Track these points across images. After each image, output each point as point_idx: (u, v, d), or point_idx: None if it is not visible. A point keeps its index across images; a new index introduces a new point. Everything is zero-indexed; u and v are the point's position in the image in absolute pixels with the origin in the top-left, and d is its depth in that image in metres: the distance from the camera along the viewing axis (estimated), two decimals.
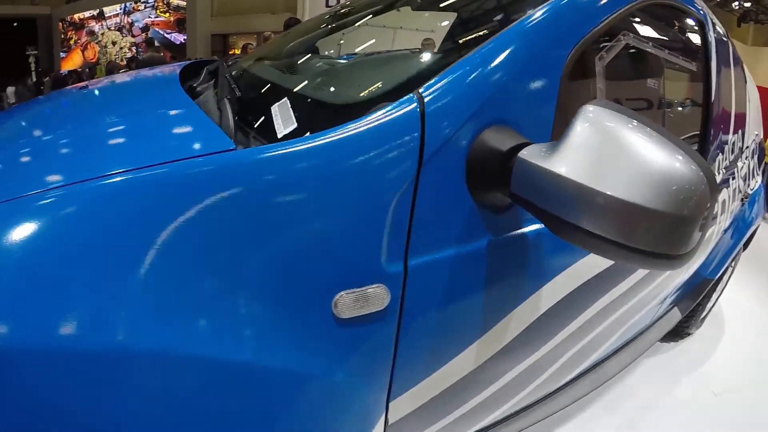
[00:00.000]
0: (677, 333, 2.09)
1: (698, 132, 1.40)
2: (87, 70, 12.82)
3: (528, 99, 0.78)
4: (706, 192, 0.58)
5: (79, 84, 1.40)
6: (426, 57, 0.96)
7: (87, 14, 15.93)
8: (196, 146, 0.65)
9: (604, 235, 0.59)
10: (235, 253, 0.58)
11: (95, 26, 15.99)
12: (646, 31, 1.15)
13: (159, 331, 0.54)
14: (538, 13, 0.82)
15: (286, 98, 0.86)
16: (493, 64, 0.74)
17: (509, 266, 0.84)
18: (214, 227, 0.57)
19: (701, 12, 1.40)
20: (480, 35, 0.87)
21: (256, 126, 0.83)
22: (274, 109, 0.84)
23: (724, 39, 1.57)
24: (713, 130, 1.42)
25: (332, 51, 1.18)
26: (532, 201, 0.66)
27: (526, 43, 0.78)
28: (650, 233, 0.58)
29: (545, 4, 0.85)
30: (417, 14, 1.25)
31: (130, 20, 15.55)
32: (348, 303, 0.63)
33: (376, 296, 0.65)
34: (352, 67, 1.07)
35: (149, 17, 15.03)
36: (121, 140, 0.77)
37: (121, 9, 15.63)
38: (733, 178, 1.66)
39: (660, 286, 1.39)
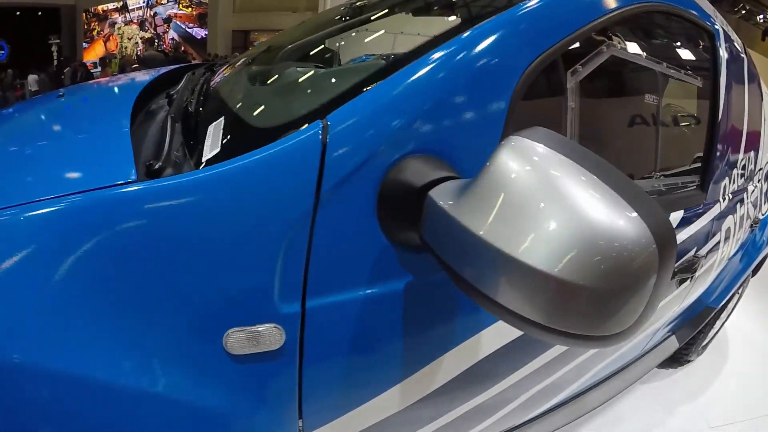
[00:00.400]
0: (676, 360, 2.02)
1: (701, 154, 1.33)
2: (99, 62, 12.92)
3: (466, 125, 0.70)
4: (652, 259, 0.45)
5: (58, 90, 1.40)
6: (348, 77, 0.84)
7: (111, 6, 16.13)
8: (93, 179, 0.63)
9: (512, 309, 0.50)
10: (119, 286, 0.57)
11: (118, 18, 16.18)
12: (638, 42, 1.09)
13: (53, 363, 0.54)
14: (479, 30, 0.73)
15: (222, 117, 0.82)
16: (416, 86, 0.66)
17: (436, 310, 0.76)
18: (99, 262, 0.56)
19: (712, 23, 1.32)
20: (409, 54, 0.78)
21: (194, 147, 0.79)
22: (210, 129, 0.80)
23: (739, 53, 1.49)
24: (719, 152, 1.35)
25: (283, 67, 1.07)
26: (437, 252, 0.59)
27: (462, 63, 0.69)
28: (574, 313, 0.47)
29: (490, 17, 0.75)
30: (366, 32, 1.12)
31: (152, 13, 15.71)
32: (239, 340, 0.61)
33: (270, 336, 0.62)
34: (284, 86, 0.97)
35: (172, 10, 15.17)
36: (23, 170, 0.75)
37: (144, 2, 15.80)
38: (742, 204, 1.59)
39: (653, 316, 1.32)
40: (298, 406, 0.69)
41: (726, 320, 2.18)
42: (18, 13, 13.94)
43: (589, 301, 0.46)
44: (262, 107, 0.87)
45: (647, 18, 1.11)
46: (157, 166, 0.67)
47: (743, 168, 1.57)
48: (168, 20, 15.27)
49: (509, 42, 0.73)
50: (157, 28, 15.59)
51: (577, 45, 0.85)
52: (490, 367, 0.89)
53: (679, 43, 1.30)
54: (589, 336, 0.49)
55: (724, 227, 1.46)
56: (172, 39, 15.23)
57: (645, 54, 1.10)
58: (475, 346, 0.83)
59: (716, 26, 1.33)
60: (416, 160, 0.65)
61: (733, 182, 1.50)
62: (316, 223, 0.61)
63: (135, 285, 0.57)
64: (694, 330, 1.79)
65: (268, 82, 1.00)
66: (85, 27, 16.50)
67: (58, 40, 13.10)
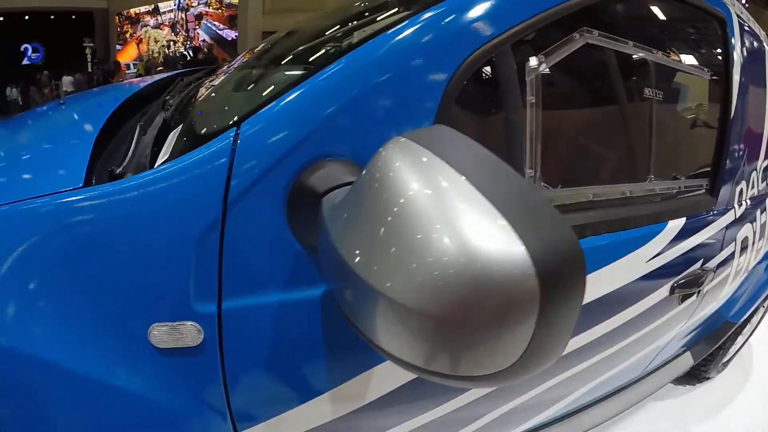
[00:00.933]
0: (694, 376, 1.89)
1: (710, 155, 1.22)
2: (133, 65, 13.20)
3: (385, 127, 0.67)
4: (528, 294, 0.38)
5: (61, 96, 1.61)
6: (267, 86, 0.85)
7: (143, 9, 16.47)
8: (49, 185, 0.68)
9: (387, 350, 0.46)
10: (56, 282, 0.61)
11: (150, 21, 16.51)
12: (625, 28, 0.99)
13: None
14: (396, 29, 0.70)
15: (181, 126, 0.84)
16: (324, 91, 0.65)
17: None
18: (37, 261, 0.61)
19: (722, 8, 1.20)
20: (321, 60, 0.78)
21: (156, 154, 0.82)
22: (170, 136, 0.83)
23: (759, 43, 1.37)
24: (733, 152, 1.24)
25: (233, 77, 1.08)
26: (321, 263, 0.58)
27: (376, 65, 0.67)
28: (445, 352, 0.42)
29: (413, 15, 0.72)
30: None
31: (183, 16, 15.99)
32: (162, 334, 0.64)
33: (188, 333, 0.65)
34: (222, 96, 0.99)
35: (203, 8, 15.36)
36: None
37: (175, 5, 16.08)
38: (763, 211, 1.46)
39: (650, 335, 1.21)
40: (226, 402, 0.70)
41: (750, 335, 2.03)
42: (52, 16, 14.37)
43: (460, 340, 0.41)
44: (204, 116, 0.88)
45: (636, 1, 1.02)
46: (117, 172, 0.74)
47: (765, 171, 1.44)
48: (199, 17, 15.48)
49: (434, 39, 0.70)
50: (189, 30, 15.85)
51: (535, 33, 0.79)
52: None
53: (676, 31, 1.20)
54: (473, 377, 0.44)
55: (740, 236, 1.34)
56: (203, 41, 15.47)
57: (633, 42, 0.99)
58: None
59: (728, 12, 1.21)
60: (326, 165, 0.64)
61: (753, 186, 1.38)
62: (225, 228, 0.63)
63: (71, 281, 0.61)
64: (712, 346, 1.67)
65: (215, 92, 1.02)
66: (118, 30, 16.91)
67: (92, 44, 13.47)
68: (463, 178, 0.41)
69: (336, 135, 0.65)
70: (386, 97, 0.67)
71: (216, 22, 15.19)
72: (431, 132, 0.49)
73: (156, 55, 15.85)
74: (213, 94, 0.99)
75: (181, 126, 0.84)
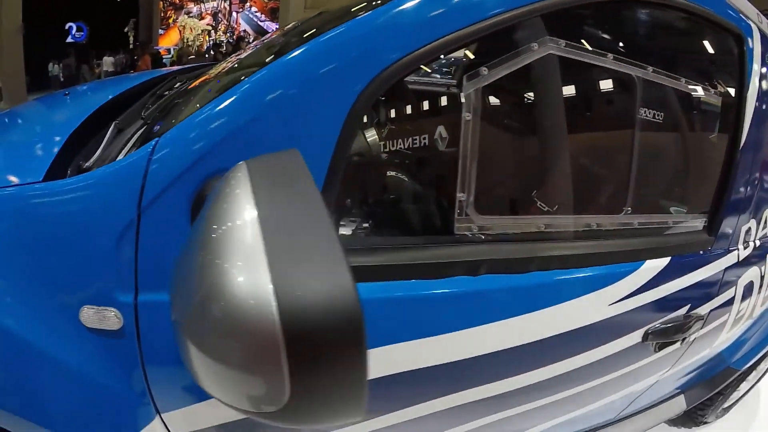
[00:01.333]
0: (691, 419, 1.79)
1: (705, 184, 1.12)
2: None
3: (282, 146, 0.70)
4: (269, 345, 0.39)
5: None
6: (188, 103, 0.93)
7: None
8: (10, 177, 0.78)
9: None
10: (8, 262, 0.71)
11: (193, 8, 16.81)
12: (607, 39, 0.93)
13: None
14: (297, 51, 0.73)
15: (144, 127, 0.91)
16: (226, 111, 0.71)
17: None
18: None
19: (741, 23, 1.09)
20: (230, 80, 0.85)
21: (120, 150, 0.89)
22: (137, 135, 0.91)
23: None
24: (741, 187, 1.13)
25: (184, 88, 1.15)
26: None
27: (276, 85, 0.71)
28: (222, 387, 0.45)
29: (314, 37, 0.75)
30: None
31: (226, 6, 16.21)
32: (90, 316, 0.71)
33: (110, 317, 0.71)
34: (160, 107, 1.06)
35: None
36: None
37: None
38: None
39: (620, 381, 1.12)
40: (146, 386, 0.76)
41: (758, 382, 1.91)
42: None
43: (223, 373, 0.44)
44: (152, 124, 0.94)
45: (625, 10, 0.96)
46: (84, 167, 0.82)
47: None
48: (244, 1, 15.63)
49: (335, 61, 0.72)
50: (230, 20, 16.06)
51: (462, 45, 0.78)
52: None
53: (675, 45, 1.10)
54: (256, 412, 0.46)
55: (743, 281, 1.23)
56: (244, 30, 15.64)
57: (613, 55, 0.91)
58: None
59: (748, 28, 1.10)
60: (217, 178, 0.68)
61: (765, 226, 1.27)
62: (140, 230, 0.70)
63: (21, 262, 0.70)
64: (710, 391, 1.56)
65: (174, 99, 1.07)
66: (162, 14, 17.26)
67: (134, 27, 13.79)
68: (255, 214, 0.44)
69: (235, 152, 0.70)
70: (284, 117, 0.71)
71: (258, 13, 15.32)
72: (272, 159, 0.53)
73: (190, 43, 16.10)
74: (173, 101, 1.05)
75: (144, 128, 0.91)
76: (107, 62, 11.82)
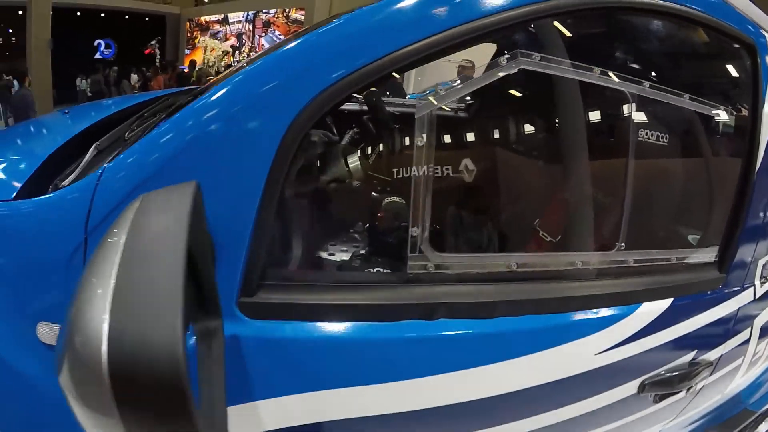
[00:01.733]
0: None
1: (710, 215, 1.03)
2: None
3: (219, 172, 0.71)
4: (98, 368, 0.39)
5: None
6: (136, 133, 0.95)
7: (213, 18, 17.19)
8: None
9: None
10: None
11: (219, 30, 17.22)
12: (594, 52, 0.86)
13: None
14: (233, 77, 0.74)
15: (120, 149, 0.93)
16: (163, 136, 0.72)
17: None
18: None
19: (755, 33, 0.99)
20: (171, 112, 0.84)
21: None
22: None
23: None
24: (757, 217, 1.02)
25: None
26: None
27: (211, 111, 0.71)
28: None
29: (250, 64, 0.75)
30: None
31: (250, 27, 16.57)
32: (45, 332, 0.72)
33: None
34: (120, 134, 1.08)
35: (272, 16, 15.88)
36: None
37: (243, 17, 16.71)
38: None
39: None
40: None
41: None
42: (127, 17, 15.24)
43: (79, 412, 0.44)
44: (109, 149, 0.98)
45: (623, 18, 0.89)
46: (60, 186, 0.83)
47: None
48: (267, 25, 15.96)
49: (269, 86, 0.70)
50: (254, 42, 16.39)
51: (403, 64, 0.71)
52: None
53: (676, 58, 1.03)
54: None
55: (760, 320, 1.14)
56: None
57: (600, 70, 0.83)
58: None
59: (762, 38, 1.00)
60: None
61: None
62: (87, 251, 0.71)
63: None
64: None
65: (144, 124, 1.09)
66: (188, 35, 17.71)
67: (159, 46, 14.20)
68: (119, 252, 0.44)
69: (170, 180, 0.69)
70: (219, 144, 0.70)
71: (281, 36, 15.62)
72: (165, 193, 0.54)
73: (212, 64, 16.43)
74: (144, 125, 1.04)
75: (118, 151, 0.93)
76: (134, 79, 12.11)
